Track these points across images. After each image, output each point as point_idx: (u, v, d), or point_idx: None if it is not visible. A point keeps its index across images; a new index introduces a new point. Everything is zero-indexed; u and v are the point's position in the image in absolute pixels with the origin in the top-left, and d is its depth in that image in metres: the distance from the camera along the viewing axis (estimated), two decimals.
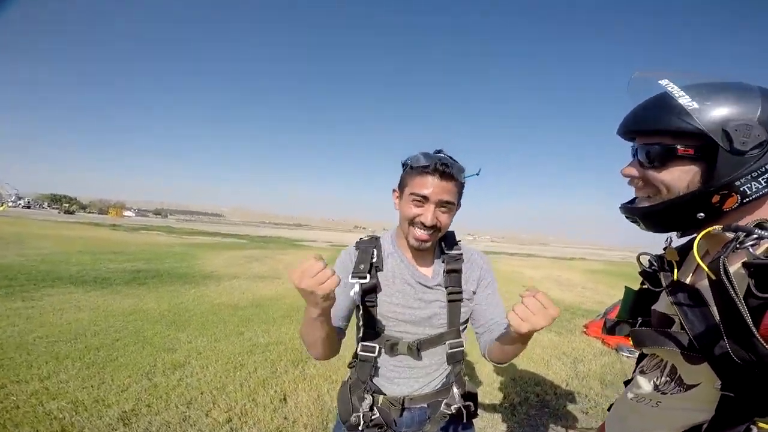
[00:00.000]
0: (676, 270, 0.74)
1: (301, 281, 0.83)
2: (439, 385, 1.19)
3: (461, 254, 1.20)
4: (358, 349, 1.16)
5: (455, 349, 1.17)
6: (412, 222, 1.07)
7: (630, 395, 0.81)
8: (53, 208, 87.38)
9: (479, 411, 2.80)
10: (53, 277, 6.70)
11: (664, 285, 0.73)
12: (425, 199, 1.04)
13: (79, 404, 2.51)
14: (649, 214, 0.72)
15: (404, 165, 1.11)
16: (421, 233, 1.06)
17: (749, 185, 0.61)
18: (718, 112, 0.61)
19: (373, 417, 1.12)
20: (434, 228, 1.06)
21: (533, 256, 28.35)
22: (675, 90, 0.63)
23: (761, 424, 0.54)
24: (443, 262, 1.18)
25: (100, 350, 3.50)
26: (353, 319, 1.22)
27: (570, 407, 2.96)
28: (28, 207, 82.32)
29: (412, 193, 1.05)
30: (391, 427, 1.14)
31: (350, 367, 1.23)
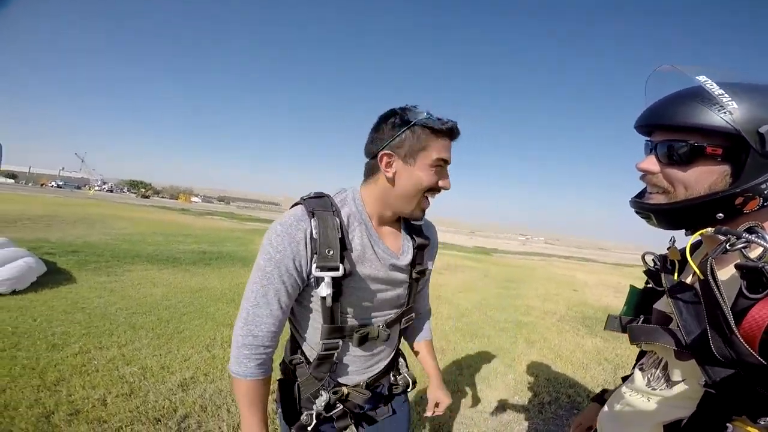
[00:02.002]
0: (677, 270, 0.76)
1: None
2: (392, 361, 1.17)
3: (422, 225, 1.11)
4: (321, 349, 1.00)
5: (408, 324, 1.15)
6: (427, 192, 0.96)
7: (624, 389, 0.84)
8: (131, 192, 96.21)
9: (507, 407, 2.82)
10: (133, 255, 7.41)
11: (664, 284, 0.74)
12: (446, 163, 0.94)
13: (147, 370, 2.83)
14: (665, 212, 0.69)
15: (406, 122, 0.90)
16: (429, 202, 0.99)
17: None
18: (755, 113, 0.59)
19: (333, 413, 1.04)
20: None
21: (590, 260, 26.51)
22: (714, 87, 0.61)
23: (737, 423, 0.56)
24: (409, 235, 1.07)
25: (169, 323, 3.89)
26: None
27: None
28: (111, 191, 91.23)
29: (437, 159, 0.91)
30: (355, 411, 1.09)
31: (296, 364, 1.06)
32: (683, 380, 0.67)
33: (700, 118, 0.62)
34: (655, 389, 0.73)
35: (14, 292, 4.22)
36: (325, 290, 0.89)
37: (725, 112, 0.60)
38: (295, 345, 1.09)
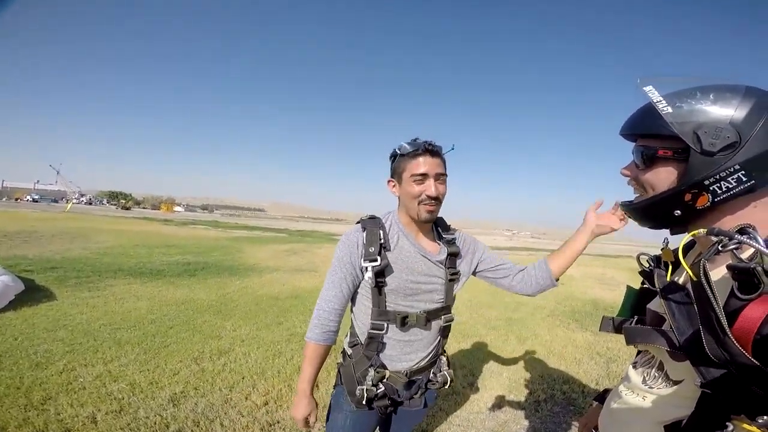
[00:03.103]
0: (670, 270, 0.77)
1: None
2: (433, 357, 1.37)
3: (455, 238, 1.38)
4: (369, 328, 1.27)
5: (447, 323, 1.37)
6: (419, 200, 1.22)
7: (620, 387, 0.84)
8: (111, 204, 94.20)
9: (503, 407, 2.86)
10: (114, 268, 7.26)
11: (657, 284, 0.75)
12: (425, 176, 1.20)
13: (136, 386, 2.77)
14: (635, 210, 0.77)
15: (394, 156, 1.26)
16: (429, 206, 1.22)
17: (718, 185, 0.63)
18: (690, 116, 0.64)
19: (377, 392, 1.26)
20: (437, 198, 1.23)
21: None
22: (654, 96, 0.67)
23: (737, 421, 0.56)
24: (444, 244, 1.35)
25: (156, 337, 3.82)
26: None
27: None
28: (90, 203, 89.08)
29: (412, 175, 1.20)
30: (394, 397, 1.31)
31: (352, 346, 1.34)
32: (681, 380, 0.68)
33: (647, 126, 0.71)
34: (652, 388, 0.74)
35: None
36: (368, 274, 1.22)
37: (661, 118, 0.66)
38: (353, 331, 1.37)
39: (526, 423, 2.70)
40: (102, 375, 2.91)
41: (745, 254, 0.56)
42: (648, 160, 0.72)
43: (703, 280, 0.55)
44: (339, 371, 1.38)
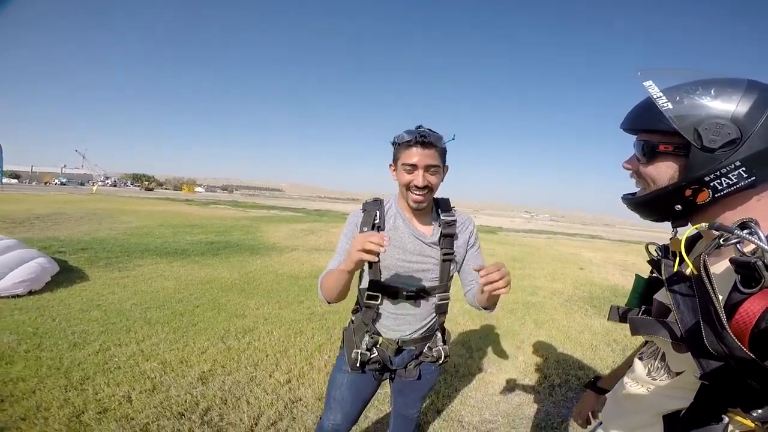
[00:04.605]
0: (677, 261, 0.77)
1: (365, 243, 1.03)
2: (426, 331, 1.45)
3: (455, 220, 1.42)
4: (365, 298, 1.40)
5: (443, 301, 1.44)
6: (408, 187, 1.29)
7: (626, 378, 0.87)
8: (135, 186, 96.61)
9: (517, 390, 2.91)
10: (141, 249, 7.49)
11: (663, 274, 0.76)
12: (414, 166, 1.25)
13: (167, 365, 2.90)
14: (636, 204, 0.78)
15: (393, 143, 1.32)
16: (417, 195, 1.29)
17: (719, 181, 0.64)
18: (691, 111, 0.64)
19: (371, 356, 1.40)
20: (426, 188, 1.28)
21: (596, 237, 26.26)
22: (654, 91, 0.66)
23: (732, 414, 0.59)
24: (439, 225, 1.40)
25: (183, 316, 3.97)
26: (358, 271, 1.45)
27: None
28: (114, 185, 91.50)
29: (403, 164, 1.27)
30: (387, 363, 1.43)
31: (354, 313, 1.51)
32: (681, 372, 0.70)
33: (647, 121, 0.72)
34: (655, 379, 0.76)
35: (31, 293, 4.29)
36: None
37: (662, 114, 0.65)
38: (357, 299, 1.49)
39: (539, 407, 2.74)
40: (135, 354, 3.04)
41: (749, 248, 0.58)
42: (649, 154, 0.73)
43: (703, 273, 0.56)
44: (343, 334, 1.51)
